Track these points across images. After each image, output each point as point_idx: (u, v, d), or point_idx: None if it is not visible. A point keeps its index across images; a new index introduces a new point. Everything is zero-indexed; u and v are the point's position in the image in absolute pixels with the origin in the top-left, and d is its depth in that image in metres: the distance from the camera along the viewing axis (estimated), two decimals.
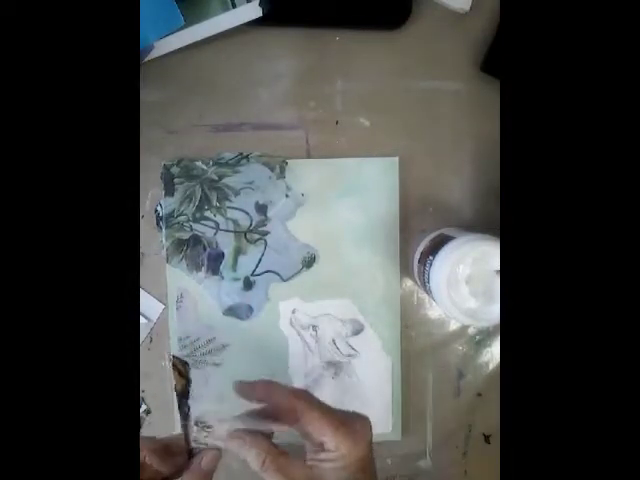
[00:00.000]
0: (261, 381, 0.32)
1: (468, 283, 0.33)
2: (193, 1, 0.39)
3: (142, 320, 0.42)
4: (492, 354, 0.43)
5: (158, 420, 0.36)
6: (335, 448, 0.29)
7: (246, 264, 0.42)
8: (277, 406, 0.31)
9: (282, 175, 0.42)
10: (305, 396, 0.31)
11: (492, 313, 0.33)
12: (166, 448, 0.32)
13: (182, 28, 0.39)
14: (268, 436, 0.31)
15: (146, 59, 0.40)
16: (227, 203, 0.42)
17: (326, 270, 0.42)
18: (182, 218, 0.42)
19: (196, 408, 0.42)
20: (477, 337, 0.43)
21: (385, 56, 0.41)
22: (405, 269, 0.42)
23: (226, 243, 0.42)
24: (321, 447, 0.30)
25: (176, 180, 0.42)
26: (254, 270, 0.42)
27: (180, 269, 0.42)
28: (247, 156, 0.42)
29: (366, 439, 0.30)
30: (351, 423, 0.30)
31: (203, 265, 0.42)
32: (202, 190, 0.42)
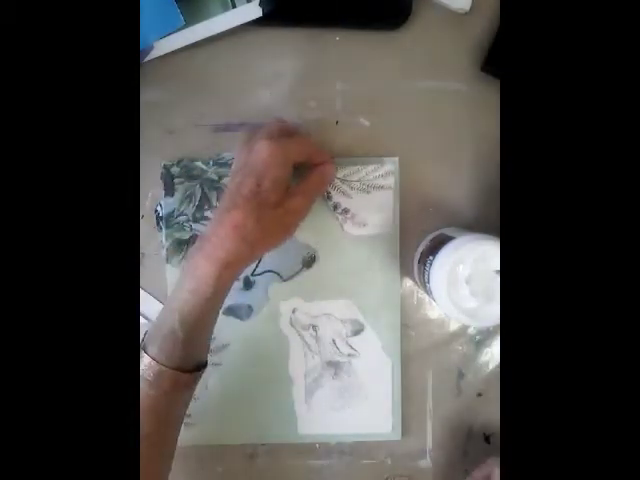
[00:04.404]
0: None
1: (468, 283, 0.33)
2: (193, 1, 0.39)
3: (142, 320, 0.42)
4: (492, 354, 0.43)
5: None
6: None
7: None
8: None
9: None
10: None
11: (492, 313, 0.33)
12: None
13: (182, 28, 0.39)
14: None
15: (146, 59, 0.40)
16: None
17: (326, 270, 0.42)
18: (182, 218, 0.42)
19: (196, 409, 0.42)
20: (477, 337, 0.43)
21: (385, 56, 0.41)
22: (405, 269, 0.42)
23: None
24: None
25: (176, 180, 0.42)
26: (254, 270, 0.42)
27: (180, 269, 0.42)
28: None
29: None
30: None
31: None
32: (202, 190, 0.42)
